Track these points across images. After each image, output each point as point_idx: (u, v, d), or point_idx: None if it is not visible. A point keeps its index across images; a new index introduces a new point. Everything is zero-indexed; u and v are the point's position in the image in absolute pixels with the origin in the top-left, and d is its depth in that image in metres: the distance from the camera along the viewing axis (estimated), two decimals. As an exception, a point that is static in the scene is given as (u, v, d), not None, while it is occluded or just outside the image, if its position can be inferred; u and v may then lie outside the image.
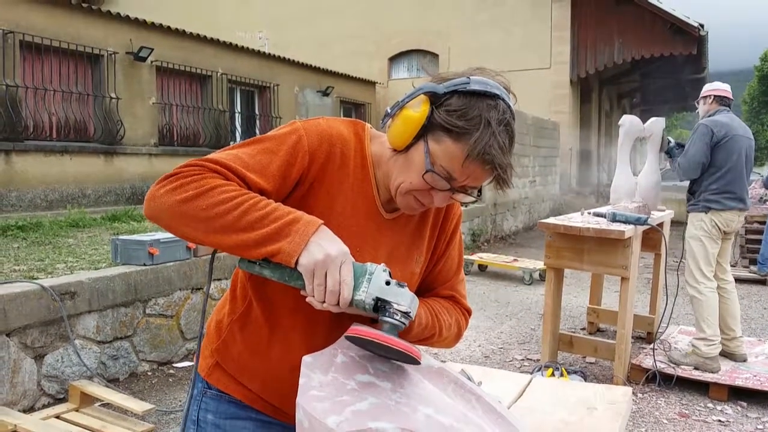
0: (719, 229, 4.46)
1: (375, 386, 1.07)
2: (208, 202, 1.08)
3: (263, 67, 13.00)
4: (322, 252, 1.06)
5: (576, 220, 4.54)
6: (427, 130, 1.16)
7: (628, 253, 4.17)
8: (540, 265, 7.87)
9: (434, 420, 1.01)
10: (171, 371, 4.52)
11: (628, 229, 4.10)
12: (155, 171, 10.00)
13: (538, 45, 17.43)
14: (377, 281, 1.09)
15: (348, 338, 1.10)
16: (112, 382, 4.15)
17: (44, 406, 3.78)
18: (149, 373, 4.45)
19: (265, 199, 1.12)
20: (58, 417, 3.62)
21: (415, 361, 1.09)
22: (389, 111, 1.22)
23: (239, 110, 12.70)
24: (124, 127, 9.70)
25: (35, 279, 3.96)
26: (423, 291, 1.42)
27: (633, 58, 17.26)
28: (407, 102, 1.18)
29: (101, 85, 9.53)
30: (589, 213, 4.81)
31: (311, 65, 14.62)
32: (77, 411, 3.72)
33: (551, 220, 4.54)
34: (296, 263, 1.07)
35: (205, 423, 1.35)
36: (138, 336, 4.41)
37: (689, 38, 16.49)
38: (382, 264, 1.12)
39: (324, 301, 1.08)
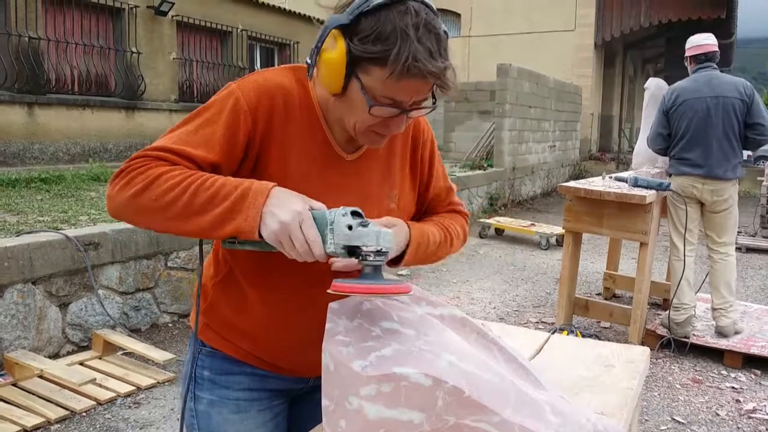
0: (679, 194, 4.39)
1: (400, 333, 1.09)
2: (157, 191, 1.06)
3: (283, 24, 12.87)
4: (276, 221, 1.03)
5: (597, 184, 4.52)
6: (353, 65, 1.09)
7: (649, 218, 4.15)
8: (557, 230, 7.85)
9: (457, 367, 1.03)
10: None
11: (649, 194, 4.09)
12: (175, 127, 9.99)
13: (562, 6, 17.09)
14: (339, 229, 1.05)
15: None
16: (134, 332, 4.24)
17: (68, 353, 3.88)
18: (170, 325, 4.54)
19: (213, 176, 1.09)
20: (82, 364, 3.73)
21: (406, 294, 1.09)
22: (309, 61, 1.17)
23: (259, 68, 12.59)
24: (145, 83, 9.71)
25: (59, 230, 4.03)
26: (427, 216, 1.46)
27: (660, 21, 16.88)
28: (321, 45, 1.11)
29: (122, 39, 9.51)
30: (611, 177, 4.79)
31: (332, 23, 14.44)
32: (100, 359, 3.83)
33: (572, 183, 4.52)
34: (260, 236, 1.06)
35: (201, 379, 1.39)
36: (159, 288, 4.49)
37: (718, 0, 16.07)
38: (341, 208, 1.08)
39: (305, 260, 1.07)
